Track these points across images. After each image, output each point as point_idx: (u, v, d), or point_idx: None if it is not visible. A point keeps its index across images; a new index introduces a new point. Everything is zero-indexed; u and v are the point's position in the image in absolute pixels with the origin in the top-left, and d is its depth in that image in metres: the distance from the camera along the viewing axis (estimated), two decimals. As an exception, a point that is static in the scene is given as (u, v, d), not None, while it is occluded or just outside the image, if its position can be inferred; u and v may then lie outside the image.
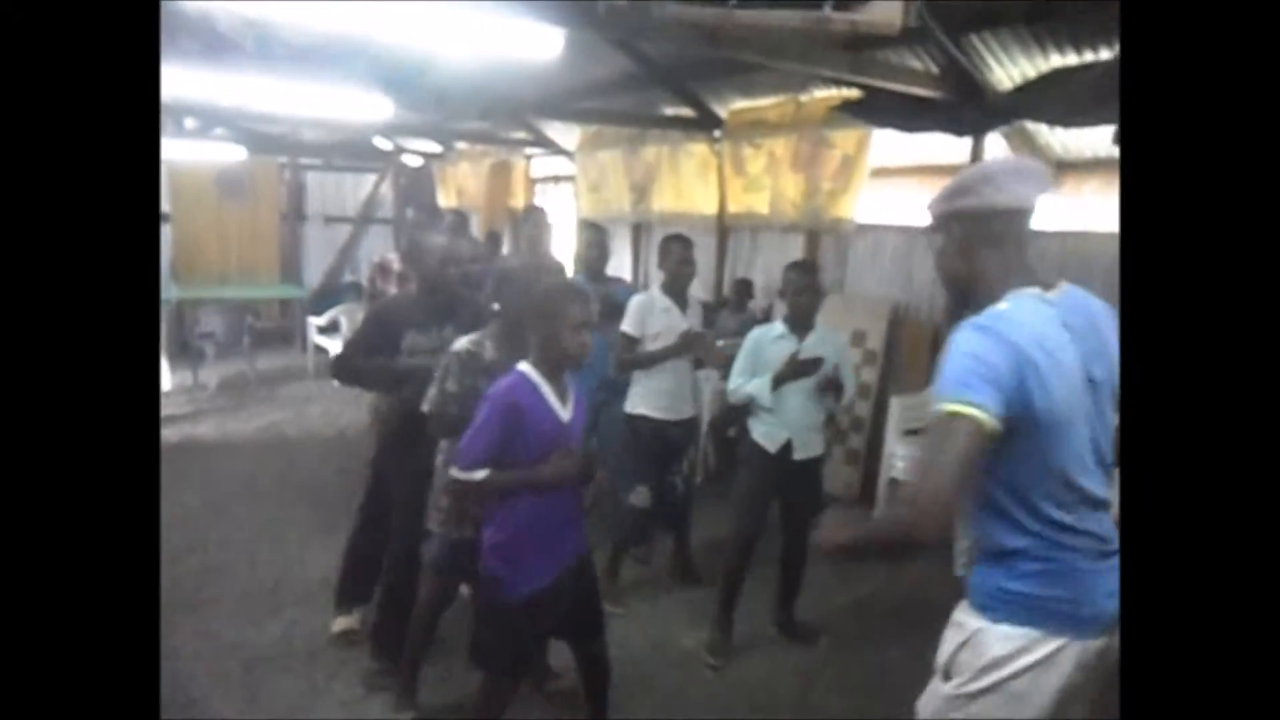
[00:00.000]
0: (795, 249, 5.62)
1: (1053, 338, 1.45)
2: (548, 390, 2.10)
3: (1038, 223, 1.61)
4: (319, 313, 8.17)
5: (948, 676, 1.57)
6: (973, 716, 1.51)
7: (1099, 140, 4.25)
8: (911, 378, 4.79)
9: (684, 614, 3.55)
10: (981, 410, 1.35)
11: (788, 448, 3.21)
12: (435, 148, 9.79)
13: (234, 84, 4.47)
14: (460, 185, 9.62)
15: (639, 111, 6.26)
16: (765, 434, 3.21)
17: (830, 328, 3.40)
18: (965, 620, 1.56)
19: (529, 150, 8.47)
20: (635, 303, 3.60)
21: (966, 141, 4.46)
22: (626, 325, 3.55)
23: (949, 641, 1.58)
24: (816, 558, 3.44)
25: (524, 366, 2.12)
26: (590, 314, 2.11)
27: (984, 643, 1.50)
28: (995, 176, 1.54)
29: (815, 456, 3.30)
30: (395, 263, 3.80)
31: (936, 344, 4.79)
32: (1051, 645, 1.45)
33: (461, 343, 2.47)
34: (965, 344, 1.43)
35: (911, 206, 5.11)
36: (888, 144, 4.86)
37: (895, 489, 4.43)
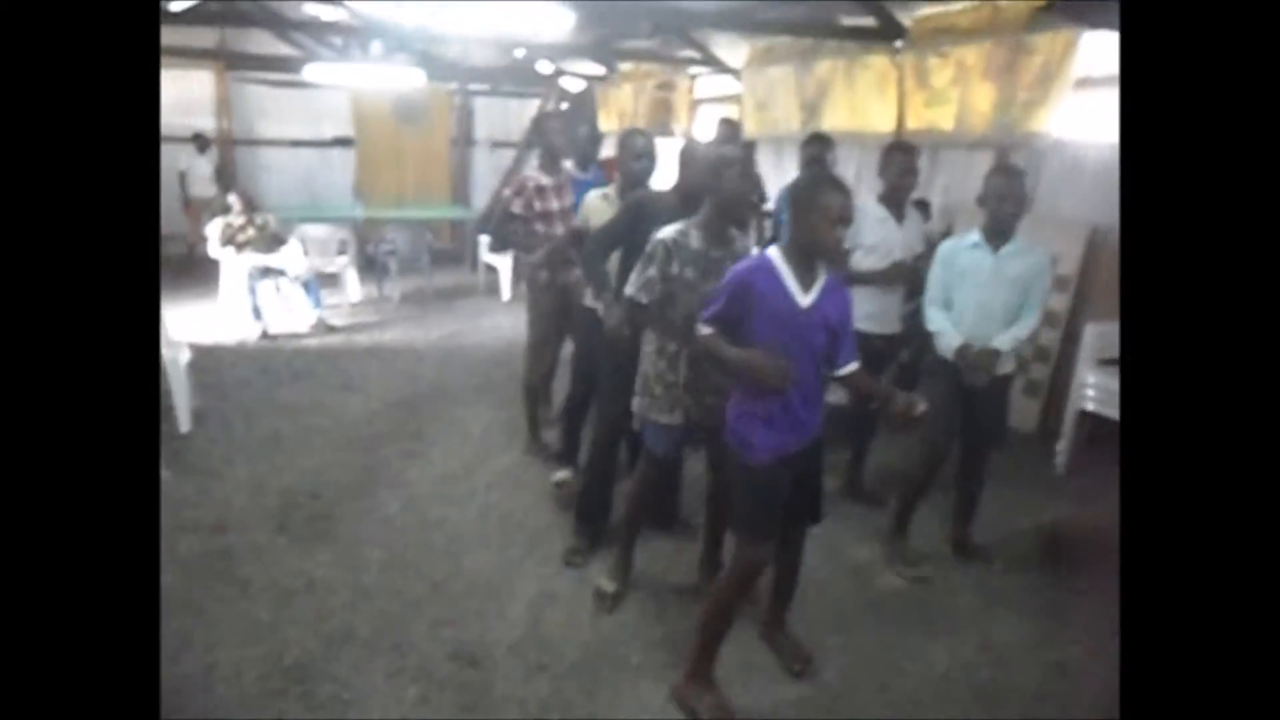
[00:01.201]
0: (981, 167, 5.28)
1: None
2: (789, 276, 2.19)
3: None
4: (484, 233, 8.53)
5: None
6: None
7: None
8: (1107, 305, 4.45)
9: (853, 529, 3.55)
10: None
11: None
12: (598, 69, 9.82)
13: (416, 4, 4.62)
14: (622, 108, 9.63)
15: (815, 21, 6.01)
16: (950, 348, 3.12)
17: (1032, 242, 3.20)
18: None
19: (693, 70, 8.34)
20: None
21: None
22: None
23: None
24: (995, 481, 3.37)
25: (772, 250, 2.24)
26: (849, 210, 2.16)
27: None
28: None
29: (1002, 376, 3.17)
30: (542, 177, 3.84)
31: (1141, 269, 4.42)
32: None
33: (668, 231, 2.53)
34: None
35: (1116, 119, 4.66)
36: (1094, 49, 4.43)
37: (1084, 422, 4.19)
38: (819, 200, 2.14)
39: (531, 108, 10.82)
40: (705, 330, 2.28)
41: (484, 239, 8.23)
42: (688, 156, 2.89)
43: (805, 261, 2.21)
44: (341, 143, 9.82)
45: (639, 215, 2.92)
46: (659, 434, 2.69)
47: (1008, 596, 3.09)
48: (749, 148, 3.91)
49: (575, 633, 2.77)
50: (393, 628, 2.76)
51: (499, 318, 7.18)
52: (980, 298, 3.07)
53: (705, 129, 8.44)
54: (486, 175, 10.77)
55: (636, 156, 3.23)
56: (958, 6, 5.14)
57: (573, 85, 10.49)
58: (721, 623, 2.39)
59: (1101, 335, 4.12)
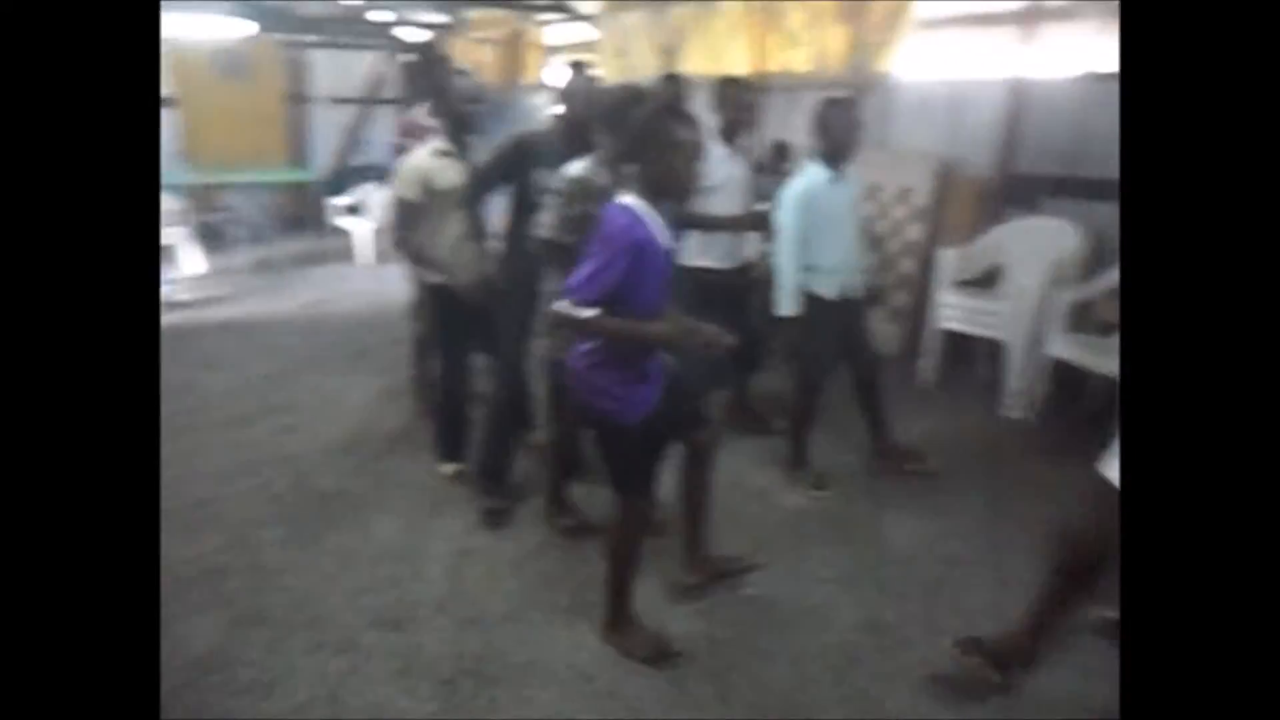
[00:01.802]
0: (837, 107, 5.52)
1: None
2: (654, 222, 2.05)
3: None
4: (336, 195, 8.06)
5: None
6: None
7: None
8: (959, 232, 4.82)
9: (749, 457, 3.70)
10: None
11: (844, 291, 3.27)
12: (442, 18, 9.38)
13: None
14: (470, 57, 9.28)
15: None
16: (822, 283, 3.22)
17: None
18: None
19: (544, 17, 8.14)
20: None
21: (1024, -17, 4.33)
22: None
23: None
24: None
25: (632, 201, 2.04)
26: (702, 144, 2.07)
27: None
28: None
29: (857, 301, 3.37)
30: (429, 121, 3.70)
31: (985, 197, 4.79)
32: None
33: (577, 169, 2.49)
34: None
35: (961, 59, 4.99)
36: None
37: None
38: (672, 135, 1.99)
39: (371, 61, 10.21)
40: (588, 312, 1.97)
41: (334, 201, 7.78)
42: (575, 93, 2.84)
43: (659, 203, 2.06)
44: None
45: (523, 155, 2.85)
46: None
47: (897, 502, 3.34)
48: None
49: (500, 584, 2.75)
50: (305, 603, 2.63)
51: (361, 283, 6.84)
52: (842, 232, 3.19)
53: (559, 76, 8.30)
54: (327, 134, 10.10)
55: (469, 100, 3.08)
56: (807, -51, 5.30)
57: (415, 36, 9.98)
58: (626, 572, 2.39)
59: (955, 258, 4.46)
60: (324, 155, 9.97)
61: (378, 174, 8.89)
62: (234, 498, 3.28)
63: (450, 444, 3.44)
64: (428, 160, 3.06)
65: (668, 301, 2.17)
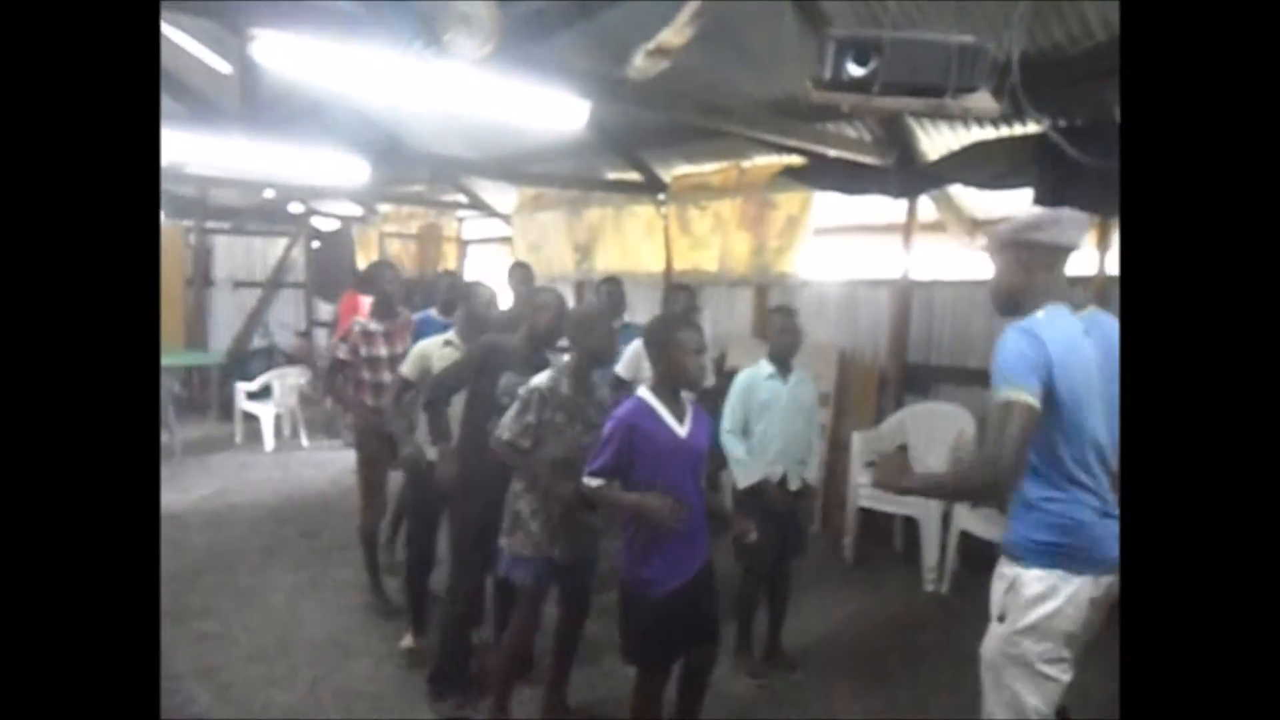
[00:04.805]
0: (744, 302, 6.05)
1: (1075, 340, 1.91)
2: (664, 411, 2.38)
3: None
4: (239, 378, 7.88)
5: (1001, 619, 1.93)
6: (1024, 649, 1.88)
7: (1012, 202, 4.91)
8: (862, 415, 5.24)
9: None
10: (1030, 394, 1.79)
11: (783, 480, 3.48)
12: (354, 210, 9.75)
13: (181, 142, 4.34)
14: (385, 248, 9.61)
15: (583, 175, 6.59)
16: (761, 469, 3.38)
17: (803, 371, 3.63)
18: (1005, 570, 1.95)
19: (460, 213, 8.62)
20: (631, 348, 3.85)
21: (902, 203, 5.04)
22: (620, 369, 3.80)
23: (996, 590, 1.96)
24: (797, 582, 3.69)
25: (643, 391, 2.42)
26: (704, 342, 2.40)
27: (1022, 585, 1.89)
28: (1061, 220, 1.99)
29: (804, 487, 3.57)
30: (371, 323, 3.81)
31: (883, 384, 5.28)
32: (1074, 583, 1.85)
33: (541, 379, 2.65)
34: (1013, 343, 1.87)
35: (852, 261, 5.64)
36: (829, 205, 5.39)
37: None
38: (676, 336, 2.39)
39: (278, 246, 10.37)
40: (594, 482, 2.36)
41: (241, 386, 7.60)
42: (546, 306, 3.03)
43: (673, 394, 2.43)
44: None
45: (487, 360, 3.00)
46: (534, 570, 2.72)
47: (837, 680, 3.42)
48: (617, 283, 4.29)
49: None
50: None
51: (269, 470, 6.59)
52: (782, 426, 3.43)
53: (480, 269, 8.67)
54: (228, 317, 10.00)
55: (486, 304, 3.31)
56: (710, 167, 5.98)
57: (325, 224, 10.27)
58: None
59: (866, 440, 4.83)
60: (223, 338, 9.82)
61: (280, 358, 8.84)
62: None
63: (415, 622, 3.50)
64: (435, 348, 3.26)
65: (684, 483, 2.37)
